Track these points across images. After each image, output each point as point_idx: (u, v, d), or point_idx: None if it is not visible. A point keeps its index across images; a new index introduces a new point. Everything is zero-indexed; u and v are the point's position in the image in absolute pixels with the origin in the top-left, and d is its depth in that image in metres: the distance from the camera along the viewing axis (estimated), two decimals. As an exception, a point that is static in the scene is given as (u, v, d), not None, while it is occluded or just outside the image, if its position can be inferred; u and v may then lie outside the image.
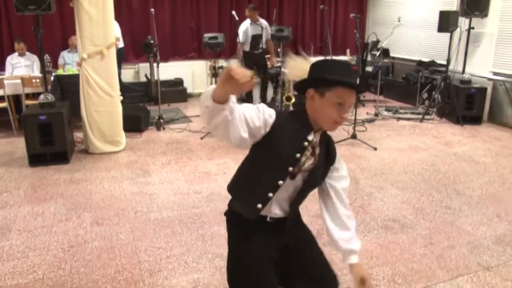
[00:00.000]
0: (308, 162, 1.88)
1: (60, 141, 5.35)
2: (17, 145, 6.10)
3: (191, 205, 4.31)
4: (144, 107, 7.13)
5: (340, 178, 2.11)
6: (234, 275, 2.05)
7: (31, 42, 7.29)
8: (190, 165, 5.41)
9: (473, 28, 7.56)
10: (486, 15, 7.44)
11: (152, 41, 7.29)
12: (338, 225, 2.13)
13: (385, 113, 8.07)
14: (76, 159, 5.61)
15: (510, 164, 5.58)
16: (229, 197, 2.16)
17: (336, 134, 6.68)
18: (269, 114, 1.79)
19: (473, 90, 7.42)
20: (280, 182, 1.87)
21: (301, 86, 1.91)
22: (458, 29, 7.65)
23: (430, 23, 8.58)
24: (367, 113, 8.07)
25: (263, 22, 7.75)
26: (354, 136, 6.32)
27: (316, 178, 1.99)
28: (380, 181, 4.97)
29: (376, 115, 7.87)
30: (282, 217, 2.00)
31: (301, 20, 10.22)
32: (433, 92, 8.05)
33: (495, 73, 7.57)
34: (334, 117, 1.81)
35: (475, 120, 7.51)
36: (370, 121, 7.58)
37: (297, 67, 1.98)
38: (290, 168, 1.86)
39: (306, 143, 1.86)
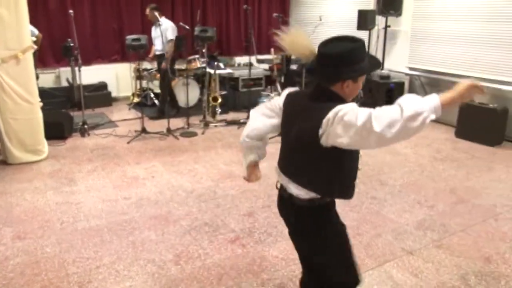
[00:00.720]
0: None
1: (-25, 152, 5.03)
2: None
3: (120, 211, 4.20)
4: (66, 113, 6.84)
5: None
6: (343, 250, 2.25)
7: None
8: (118, 170, 5.27)
9: (389, 26, 7.94)
10: (400, 14, 7.84)
11: (72, 44, 7.02)
12: None
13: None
14: (-6, 170, 5.29)
15: (428, 153, 5.92)
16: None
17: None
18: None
19: (392, 85, 7.79)
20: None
21: (337, 78, 1.97)
22: (376, 27, 8.01)
23: (350, 22, 8.89)
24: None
25: (165, 22, 7.55)
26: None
27: None
28: (308, 176, 5.09)
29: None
30: None
31: (225, 20, 10.25)
32: (355, 88, 8.36)
33: (411, 68, 8.00)
34: (355, 93, 2.05)
35: (395, 113, 7.88)
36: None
37: (297, 42, 2.08)
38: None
39: None
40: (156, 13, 7.46)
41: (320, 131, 1.88)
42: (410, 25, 7.89)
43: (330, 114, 1.84)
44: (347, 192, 2.15)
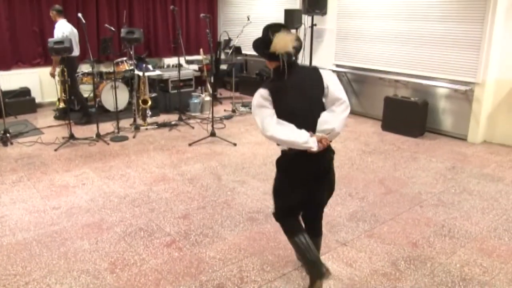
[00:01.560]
0: None
1: None
2: None
3: (49, 222, 4.02)
4: (-15, 122, 6.46)
5: None
6: None
7: None
8: (45, 179, 5.05)
9: (315, 25, 8.14)
10: (325, 13, 8.06)
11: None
12: None
13: (242, 108, 8.34)
14: None
15: (357, 147, 6.14)
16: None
17: (196, 133, 6.75)
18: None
19: (320, 81, 7.98)
20: None
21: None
22: (303, 26, 8.18)
23: (277, 21, 9.00)
24: (225, 110, 8.26)
25: (58, 25, 7.30)
26: (213, 134, 6.43)
27: None
28: (242, 175, 5.13)
29: (233, 111, 8.10)
30: None
31: (152, 21, 10.07)
32: (286, 86, 8.50)
33: (338, 66, 8.25)
34: None
35: (325, 109, 8.11)
36: (228, 117, 7.77)
37: (287, 40, 2.72)
38: None
39: None
40: (55, 15, 7.34)
41: (325, 91, 2.82)
42: (335, 23, 8.14)
43: (325, 78, 2.84)
44: None
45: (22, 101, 8.22)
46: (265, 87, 2.78)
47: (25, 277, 3.20)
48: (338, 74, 8.20)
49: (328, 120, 2.75)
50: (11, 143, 6.37)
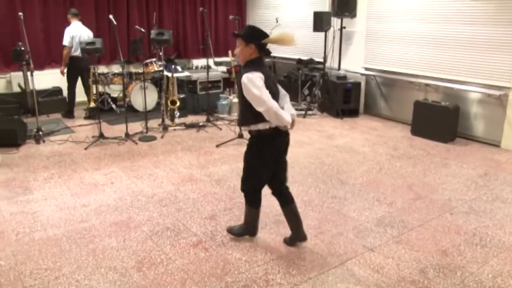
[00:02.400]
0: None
1: None
2: None
3: (78, 219, 4.09)
4: (19, 120, 6.61)
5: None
6: None
7: None
8: (75, 177, 5.14)
9: (344, 27, 8.08)
10: (355, 16, 7.99)
11: (23, 48, 6.79)
12: None
13: (271, 111, 8.31)
14: None
15: (385, 151, 6.06)
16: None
17: (223, 135, 6.77)
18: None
19: (349, 85, 7.93)
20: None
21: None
22: (332, 28, 8.13)
23: (306, 23, 9.00)
24: (254, 112, 8.25)
25: (70, 26, 7.73)
26: (241, 136, 6.44)
27: (238, 91, 3.34)
28: (270, 177, 5.11)
29: (262, 113, 8.07)
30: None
31: (181, 22, 10.17)
32: (314, 89, 8.47)
33: (367, 69, 8.16)
34: None
35: (353, 113, 8.06)
36: (257, 119, 7.75)
37: (286, 36, 3.30)
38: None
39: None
40: (69, 17, 7.75)
41: None
42: (365, 26, 8.06)
43: None
44: None
45: (54, 100, 8.37)
46: (258, 71, 3.21)
47: (55, 271, 3.26)
48: (367, 77, 8.13)
49: (290, 107, 3.42)
50: (43, 141, 6.52)
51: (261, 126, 3.29)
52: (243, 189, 3.60)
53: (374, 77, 8.02)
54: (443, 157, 5.86)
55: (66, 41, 7.62)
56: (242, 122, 3.44)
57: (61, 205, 4.39)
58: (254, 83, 3.15)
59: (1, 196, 4.62)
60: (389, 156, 5.89)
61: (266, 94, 3.15)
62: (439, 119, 6.51)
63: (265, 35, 3.28)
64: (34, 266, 3.33)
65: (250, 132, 3.41)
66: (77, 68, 7.83)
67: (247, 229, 3.74)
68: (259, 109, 3.18)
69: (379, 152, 6.03)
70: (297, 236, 3.62)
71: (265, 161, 3.40)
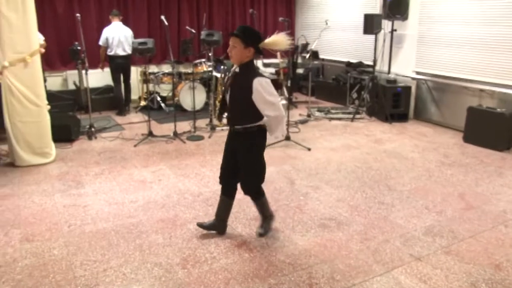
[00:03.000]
0: (229, 81, 3.43)
1: (-17, 155, 5.04)
2: None
3: (127, 214, 4.20)
4: (74, 116, 6.86)
5: (258, 102, 3.33)
6: None
7: None
8: (125, 173, 5.28)
9: (395, 30, 7.92)
10: (406, 18, 7.83)
11: (79, 47, 7.05)
12: None
13: (317, 113, 8.27)
14: (2, 173, 5.30)
15: (436, 158, 5.89)
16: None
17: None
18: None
19: (399, 89, 7.77)
20: (226, 96, 3.46)
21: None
22: (382, 31, 7.99)
23: (356, 26, 8.89)
24: (300, 115, 8.23)
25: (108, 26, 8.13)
26: (288, 138, 6.43)
27: (238, 93, 3.38)
28: (315, 180, 5.08)
29: (308, 116, 8.05)
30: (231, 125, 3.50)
31: (231, 24, 10.26)
32: (362, 92, 8.36)
33: (418, 73, 7.97)
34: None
35: (402, 117, 7.88)
36: (303, 122, 7.74)
37: (280, 40, 3.42)
38: (226, 88, 3.47)
39: (229, 73, 3.46)
40: (110, 18, 8.13)
41: None
42: (417, 28, 7.87)
43: None
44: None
45: (106, 98, 8.66)
46: (263, 75, 3.36)
47: (104, 264, 3.35)
48: (418, 81, 7.93)
49: None
50: (95, 137, 6.73)
51: (260, 122, 3.43)
52: (252, 190, 3.65)
53: (425, 81, 7.82)
54: (497, 166, 5.63)
55: (100, 41, 8.02)
56: (241, 121, 3.43)
57: (111, 200, 4.52)
58: (269, 89, 3.30)
59: (55, 188, 4.81)
60: (439, 163, 5.72)
61: (279, 101, 3.37)
62: (494, 126, 6.25)
63: (262, 39, 3.39)
64: (84, 257, 3.44)
65: (245, 129, 3.43)
66: (115, 67, 8.13)
67: (267, 218, 3.81)
68: (271, 113, 3.34)
69: (429, 159, 5.87)
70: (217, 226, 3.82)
71: (262, 155, 3.58)
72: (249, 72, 3.34)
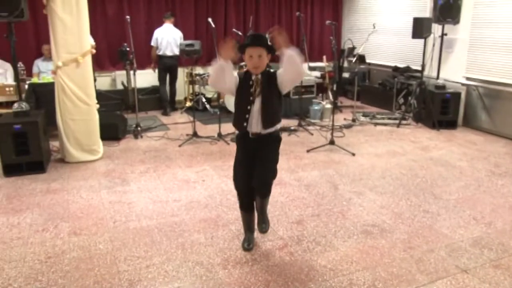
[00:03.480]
0: (257, 89, 3.27)
1: (36, 150, 5.25)
2: (-9, 155, 5.97)
3: (170, 213, 4.26)
4: (121, 115, 7.05)
5: (280, 72, 3.27)
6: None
7: (3, 50, 7.15)
8: (169, 173, 5.37)
9: (446, 34, 7.71)
10: (458, 22, 7.60)
11: (128, 49, 7.23)
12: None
13: (363, 118, 8.15)
14: (53, 168, 5.51)
15: (485, 167, 5.68)
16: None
17: (314, 140, 6.73)
18: (236, 77, 3.31)
19: (448, 95, 7.56)
20: (249, 107, 3.28)
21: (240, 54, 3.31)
22: (432, 35, 7.80)
23: (405, 30, 8.72)
24: (345, 119, 8.14)
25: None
26: (332, 142, 6.37)
27: (269, 94, 3.29)
28: (359, 186, 5.01)
29: (353, 120, 7.95)
30: (258, 133, 3.35)
31: (277, 26, 10.27)
32: (409, 98, 8.17)
33: (468, 78, 7.72)
34: (251, 65, 3.24)
35: (451, 124, 7.65)
36: (348, 126, 7.64)
37: None
38: (251, 98, 3.27)
39: (251, 82, 3.27)
40: (163, 20, 8.51)
41: None
42: (469, 33, 7.63)
43: None
44: (238, 124, 3.43)
45: (152, 98, 8.86)
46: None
47: (147, 260, 3.42)
48: (468, 87, 7.69)
49: None
50: (141, 137, 6.88)
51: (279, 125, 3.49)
52: (271, 184, 3.53)
53: (476, 87, 7.57)
54: (551, 177, 5.38)
55: (152, 41, 8.40)
56: (274, 121, 3.39)
57: (155, 198, 4.61)
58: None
59: (102, 185, 4.95)
60: (489, 172, 5.51)
61: None
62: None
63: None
64: (128, 253, 3.52)
65: (273, 131, 3.42)
66: (163, 67, 8.46)
67: (265, 213, 3.74)
68: (301, 77, 3.57)
69: (478, 168, 5.67)
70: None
71: None
72: (268, 72, 3.31)
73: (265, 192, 3.54)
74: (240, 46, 3.27)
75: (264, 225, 3.69)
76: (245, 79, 3.31)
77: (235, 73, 3.37)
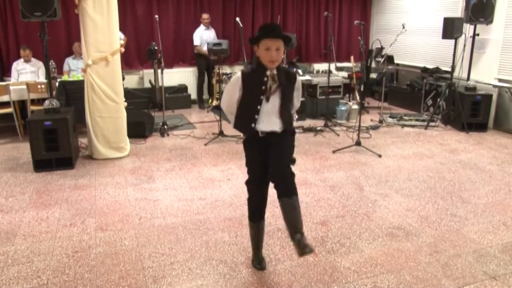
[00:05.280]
0: (273, 85, 2.95)
1: (65, 146, 5.36)
2: (23, 150, 6.12)
3: (195, 211, 4.30)
4: (148, 113, 7.14)
5: (296, 98, 3.15)
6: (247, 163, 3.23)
7: (36, 48, 7.34)
8: (194, 171, 5.41)
9: (478, 34, 7.55)
10: (491, 22, 7.43)
11: (156, 48, 7.32)
12: None
13: (390, 120, 8.05)
14: (81, 164, 5.62)
15: (516, 171, 5.55)
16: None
17: (340, 141, 6.68)
18: (236, 80, 3.00)
19: (478, 97, 7.39)
20: (258, 107, 2.95)
21: (251, 44, 2.99)
22: (463, 35, 7.64)
23: (435, 30, 8.58)
24: (372, 120, 8.06)
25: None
26: (358, 143, 6.31)
27: (287, 92, 3.03)
28: (384, 188, 4.95)
29: (380, 122, 7.86)
30: (275, 131, 3.01)
31: (305, 26, 10.24)
32: (438, 99, 8.03)
33: (500, 80, 7.55)
34: (267, 58, 2.89)
35: (481, 127, 7.49)
36: (375, 128, 7.56)
37: None
38: (261, 97, 2.94)
39: (265, 78, 2.94)
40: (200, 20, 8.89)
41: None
42: (502, 33, 7.46)
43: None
44: (244, 125, 3.09)
45: (179, 97, 8.94)
46: None
47: (171, 257, 3.45)
48: (500, 89, 7.51)
49: None
50: (168, 135, 6.96)
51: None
52: (290, 181, 2.95)
53: (509, 89, 7.38)
54: None
55: (195, 41, 8.74)
56: (290, 122, 3.07)
57: (180, 196, 4.65)
58: None
59: (128, 182, 5.02)
60: (520, 177, 5.38)
61: None
62: None
63: None
64: (153, 250, 3.56)
65: (289, 128, 3.08)
66: (201, 63, 8.97)
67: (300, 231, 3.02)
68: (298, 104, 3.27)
69: (508, 172, 5.53)
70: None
71: None
72: (285, 69, 3.13)
73: (287, 182, 2.94)
74: (255, 38, 2.92)
75: (304, 240, 2.88)
76: (254, 77, 2.97)
77: (234, 77, 3.05)
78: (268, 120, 2.98)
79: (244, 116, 3.03)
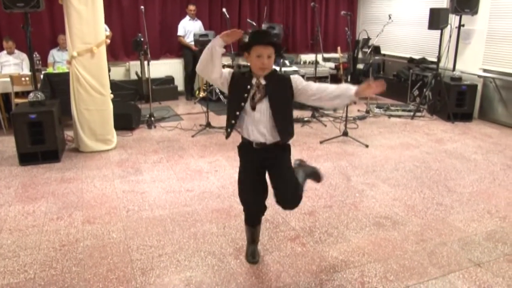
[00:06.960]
0: (257, 95, 2.85)
1: (51, 139, 5.31)
2: (7, 144, 6.05)
3: (182, 203, 4.29)
4: (135, 105, 7.09)
5: (306, 86, 2.94)
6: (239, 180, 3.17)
7: (20, 40, 7.22)
8: (182, 163, 5.40)
9: (463, 25, 7.60)
10: (476, 13, 7.48)
11: (142, 39, 7.25)
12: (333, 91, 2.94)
13: (376, 110, 8.09)
14: (67, 157, 5.57)
15: (501, 161, 5.61)
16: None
17: (328, 132, 6.71)
18: (228, 72, 2.93)
19: (463, 87, 7.46)
20: (237, 112, 2.88)
21: (242, 51, 2.92)
22: (449, 26, 7.69)
23: (421, 21, 8.61)
24: (358, 110, 8.09)
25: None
26: (345, 134, 6.34)
27: (279, 101, 2.89)
28: (371, 178, 4.98)
29: (367, 112, 7.90)
30: (263, 143, 2.94)
31: (292, 17, 10.21)
32: (424, 89, 8.09)
33: (485, 70, 7.62)
34: (258, 65, 2.79)
35: (466, 117, 7.56)
36: (361, 118, 7.60)
37: None
38: (242, 104, 2.85)
39: (249, 86, 2.85)
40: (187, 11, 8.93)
41: None
42: (487, 24, 7.51)
43: None
44: (227, 127, 3.00)
45: (166, 89, 8.89)
46: None
47: (159, 249, 3.45)
48: (485, 79, 7.58)
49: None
50: (155, 127, 6.92)
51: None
52: (298, 202, 3.15)
53: (493, 79, 7.46)
54: None
55: (178, 32, 8.80)
56: (290, 134, 3.09)
57: (167, 188, 4.64)
58: None
59: (115, 174, 5.00)
60: (505, 166, 5.45)
61: None
62: None
63: None
64: (141, 242, 3.55)
65: (285, 139, 3.07)
66: (187, 55, 8.92)
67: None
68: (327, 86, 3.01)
69: (493, 161, 5.61)
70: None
71: None
72: (276, 74, 2.96)
73: (298, 203, 3.16)
74: (246, 44, 2.84)
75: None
76: (241, 81, 2.89)
77: (227, 69, 2.97)
78: (254, 129, 2.90)
79: (227, 119, 2.99)
